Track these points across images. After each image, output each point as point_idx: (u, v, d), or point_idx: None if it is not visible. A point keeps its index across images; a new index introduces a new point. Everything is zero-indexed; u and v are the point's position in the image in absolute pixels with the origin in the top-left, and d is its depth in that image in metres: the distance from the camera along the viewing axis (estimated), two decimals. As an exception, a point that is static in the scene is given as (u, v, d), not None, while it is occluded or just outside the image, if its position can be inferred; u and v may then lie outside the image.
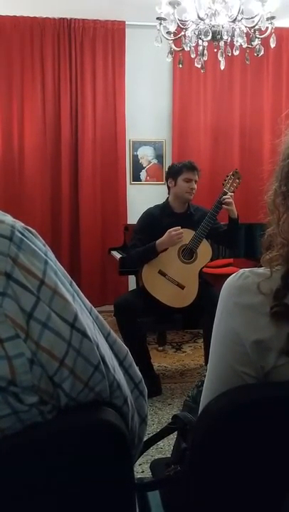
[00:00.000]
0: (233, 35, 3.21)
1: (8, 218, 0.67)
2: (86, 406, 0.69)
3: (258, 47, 3.29)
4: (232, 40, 3.26)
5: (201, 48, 3.37)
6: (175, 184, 3.00)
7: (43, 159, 4.66)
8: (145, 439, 0.89)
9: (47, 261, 0.67)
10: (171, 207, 3.06)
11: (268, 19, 3.16)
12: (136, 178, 4.95)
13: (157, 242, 2.87)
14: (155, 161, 4.97)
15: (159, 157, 4.96)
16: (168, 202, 3.09)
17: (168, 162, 4.94)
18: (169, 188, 3.08)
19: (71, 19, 4.56)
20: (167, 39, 3.34)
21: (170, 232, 2.86)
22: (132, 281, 4.41)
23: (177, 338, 4.01)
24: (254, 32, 3.24)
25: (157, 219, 3.01)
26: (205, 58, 3.42)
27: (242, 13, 3.09)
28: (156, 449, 2.16)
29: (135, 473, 0.85)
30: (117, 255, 3.84)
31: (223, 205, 2.91)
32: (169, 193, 3.12)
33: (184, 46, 3.34)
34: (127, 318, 2.80)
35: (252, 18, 3.19)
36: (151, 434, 1.04)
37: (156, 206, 3.11)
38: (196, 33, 3.20)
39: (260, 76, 4.89)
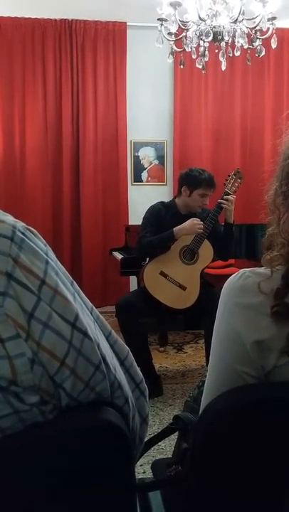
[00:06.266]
0: (234, 36, 3.21)
1: (10, 218, 0.68)
2: (87, 406, 0.69)
3: (259, 47, 3.29)
4: (233, 41, 3.26)
5: (202, 48, 3.37)
6: (189, 195, 2.93)
7: (44, 160, 4.66)
8: (146, 439, 0.89)
9: (48, 261, 0.67)
10: (176, 207, 3.02)
11: (269, 20, 3.15)
12: (137, 178, 4.95)
13: (176, 228, 2.83)
14: (156, 161, 4.97)
15: (161, 158, 4.96)
16: (174, 202, 3.05)
17: (169, 163, 4.95)
18: (180, 192, 2.99)
19: (72, 20, 4.57)
20: (168, 40, 3.35)
21: (193, 219, 2.84)
22: (133, 282, 4.41)
23: (178, 339, 4.01)
24: (255, 33, 3.25)
25: (162, 216, 2.98)
26: (206, 59, 3.43)
27: (243, 13, 3.09)
28: (158, 449, 2.16)
29: (136, 473, 0.85)
30: (119, 256, 3.84)
31: (221, 204, 2.89)
32: (177, 195, 3.06)
33: (185, 47, 3.35)
34: (128, 319, 2.80)
35: (253, 18, 3.19)
36: (153, 435, 1.04)
37: (162, 203, 3.06)
38: (197, 34, 3.21)
39: (261, 77, 4.89)
